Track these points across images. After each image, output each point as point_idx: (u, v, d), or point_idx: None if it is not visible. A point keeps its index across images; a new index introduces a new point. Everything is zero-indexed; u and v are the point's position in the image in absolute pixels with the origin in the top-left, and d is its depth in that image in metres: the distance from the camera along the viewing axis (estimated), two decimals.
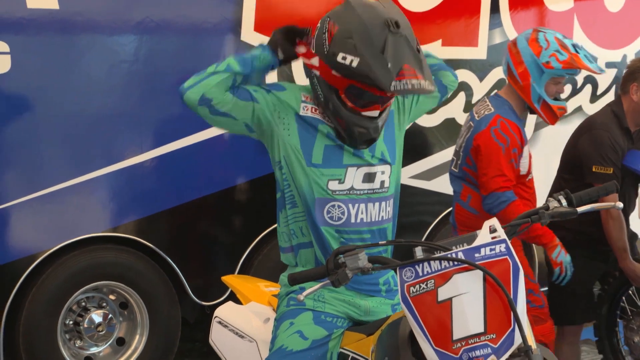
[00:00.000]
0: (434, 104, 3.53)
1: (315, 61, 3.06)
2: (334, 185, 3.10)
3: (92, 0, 5.27)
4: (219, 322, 3.80)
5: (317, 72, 3.05)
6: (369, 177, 3.14)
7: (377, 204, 3.16)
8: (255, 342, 3.57)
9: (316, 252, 3.15)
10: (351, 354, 3.07)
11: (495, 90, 4.47)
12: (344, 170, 3.11)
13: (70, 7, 5.18)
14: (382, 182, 3.17)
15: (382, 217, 3.18)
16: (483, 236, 2.71)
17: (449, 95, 3.67)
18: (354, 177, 3.12)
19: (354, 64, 2.90)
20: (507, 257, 2.65)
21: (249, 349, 3.59)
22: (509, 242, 2.69)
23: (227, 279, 4.24)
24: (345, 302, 3.17)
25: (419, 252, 2.72)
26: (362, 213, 3.14)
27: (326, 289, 3.08)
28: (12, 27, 5.06)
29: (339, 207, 3.11)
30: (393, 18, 2.93)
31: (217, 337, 3.81)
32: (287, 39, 3.15)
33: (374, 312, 3.19)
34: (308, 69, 3.13)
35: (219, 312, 3.86)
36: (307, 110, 3.12)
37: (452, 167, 4.80)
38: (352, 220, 3.12)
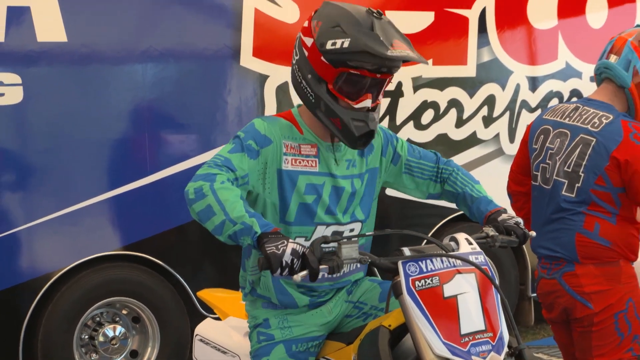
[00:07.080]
0: (421, 195, 3.41)
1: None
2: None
3: (99, 33, 5.48)
4: (200, 340, 3.76)
5: (307, 75, 2.96)
6: (336, 235, 3.09)
7: None
8: (238, 356, 3.53)
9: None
10: None
11: (586, 96, 3.96)
12: (312, 228, 3.07)
13: (78, 40, 5.41)
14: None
15: (343, 271, 3.14)
16: (464, 246, 2.87)
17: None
18: (321, 235, 3.04)
19: (345, 45, 2.84)
20: (486, 267, 2.83)
21: None
22: (484, 254, 2.88)
23: (202, 294, 4.12)
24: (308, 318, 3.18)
25: (406, 251, 2.79)
26: None
27: (287, 313, 3.15)
28: (23, 59, 5.28)
29: None
30: (374, 9, 2.94)
31: (200, 354, 3.76)
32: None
33: (334, 312, 3.21)
34: (296, 77, 3.04)
35: (199, 329, 3.81)
36: (288, 163, 3.03)
37: (564, 192, 3.82)
38: None
